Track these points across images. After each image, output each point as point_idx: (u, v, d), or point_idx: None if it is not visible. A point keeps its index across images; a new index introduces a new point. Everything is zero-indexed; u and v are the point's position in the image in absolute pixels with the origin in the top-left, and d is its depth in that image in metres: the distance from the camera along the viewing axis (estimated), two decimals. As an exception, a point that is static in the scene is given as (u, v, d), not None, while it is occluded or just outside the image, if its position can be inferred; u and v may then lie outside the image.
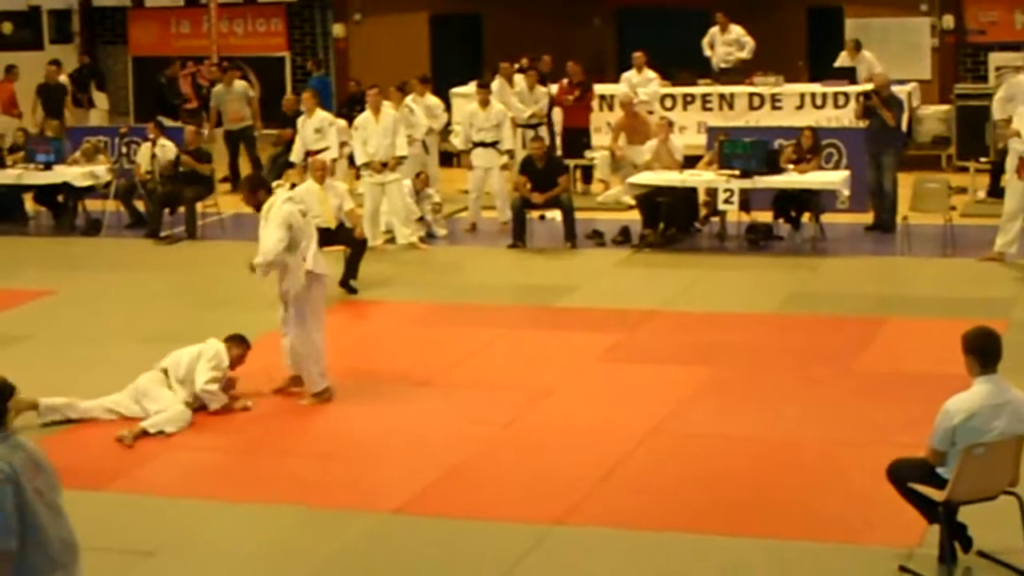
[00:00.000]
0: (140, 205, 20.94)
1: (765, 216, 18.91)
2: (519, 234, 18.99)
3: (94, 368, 13.41)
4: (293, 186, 14.23)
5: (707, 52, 25.24)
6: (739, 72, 24.65)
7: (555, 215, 19.45)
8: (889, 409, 11.79)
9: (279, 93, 25.84)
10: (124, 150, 22.18)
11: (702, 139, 21.65)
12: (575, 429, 11.69)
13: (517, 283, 17.65)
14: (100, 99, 28.75)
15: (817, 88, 23.63)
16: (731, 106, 23.79)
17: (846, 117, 22.47)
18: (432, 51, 28.68)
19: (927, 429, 8.57)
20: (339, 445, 11.68)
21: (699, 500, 10.14)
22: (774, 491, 10.26)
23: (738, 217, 19.09)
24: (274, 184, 13.20)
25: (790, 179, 18.49)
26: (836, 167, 20.08)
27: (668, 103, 23.83)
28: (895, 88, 20.65)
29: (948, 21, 25.84)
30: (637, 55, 23.80)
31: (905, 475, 8.71)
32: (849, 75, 23.52)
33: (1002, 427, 8.40)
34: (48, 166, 20.83)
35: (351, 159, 20.11)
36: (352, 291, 16.50)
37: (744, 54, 25.01)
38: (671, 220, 18.85)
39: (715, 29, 25.26)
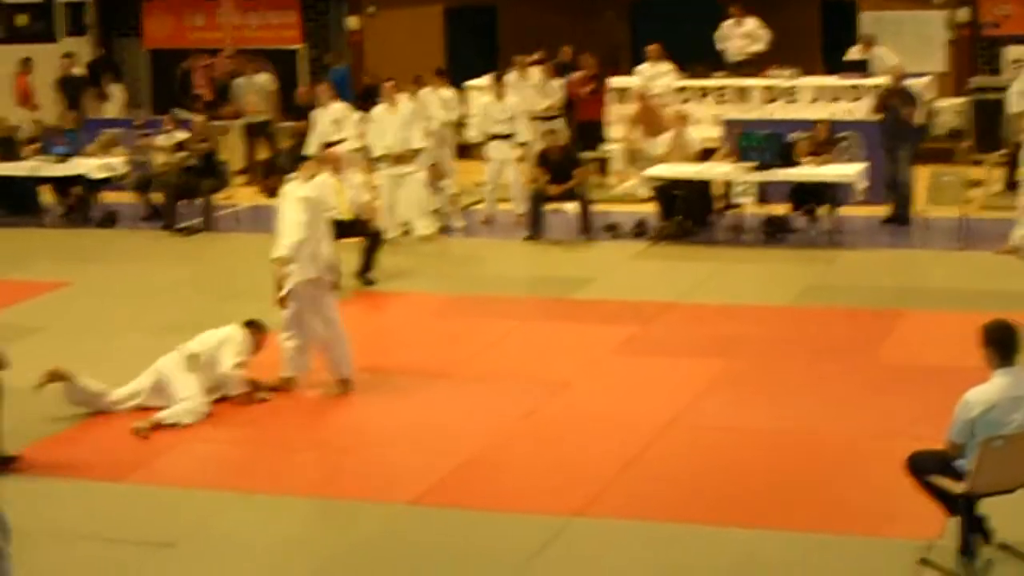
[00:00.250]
0: (156, 197, 20.94)
1: (781, 209, 18.88)
2: (535, 226, 18.99)
3: (108, 360, 13.41)
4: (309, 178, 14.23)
5: (722, 45, 25.17)
6: (754, 65, 24.59)
7: (571, 207, 19.43)
8: (907, 401, 11.78)
9: (293, 85, 25.82)
10: (140, 142, 22.20)
11: (717, 132, 21.61)
12: (592, 421, 11.69)
13: (533, 275, 17.65)
14: (116, 91, 28.77)
15: (833, 81, 23.58)
16: (746, 99, 23.75)
17: (861, 110, 22.40)
18: (447, 44, 28.63)
19: (945, 422, 8.57)
20: (356, 437, 11.69)
21: (716, 492, 10.13)
22: (792, 483, 10.25)
23: (754, 210, 19.07)
24: (289, 176, 13.20)
25: (806, 172, 18.46)
26: (852, 160, 20.03)
27: (683, 96, 23.79)
28: (910, 81, 20.59)
29: (963, 14, 25.75)
30: (652, 47, 23.74)
31: (924, 467, 8.70)
32: (860, 68, 23.45)
33: (1021, 419, 8.39)
34: (64, 158, 20.86)
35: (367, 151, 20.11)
36: (369, 283, 16.51)
37: (759, 47, 24.94)
38: (687, 213, 18.83)
39: (730, 22, 25.17)
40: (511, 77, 22.12)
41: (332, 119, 20.22)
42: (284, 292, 12.37)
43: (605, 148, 22.69)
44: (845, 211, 18.82)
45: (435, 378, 12.96)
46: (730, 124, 20.79)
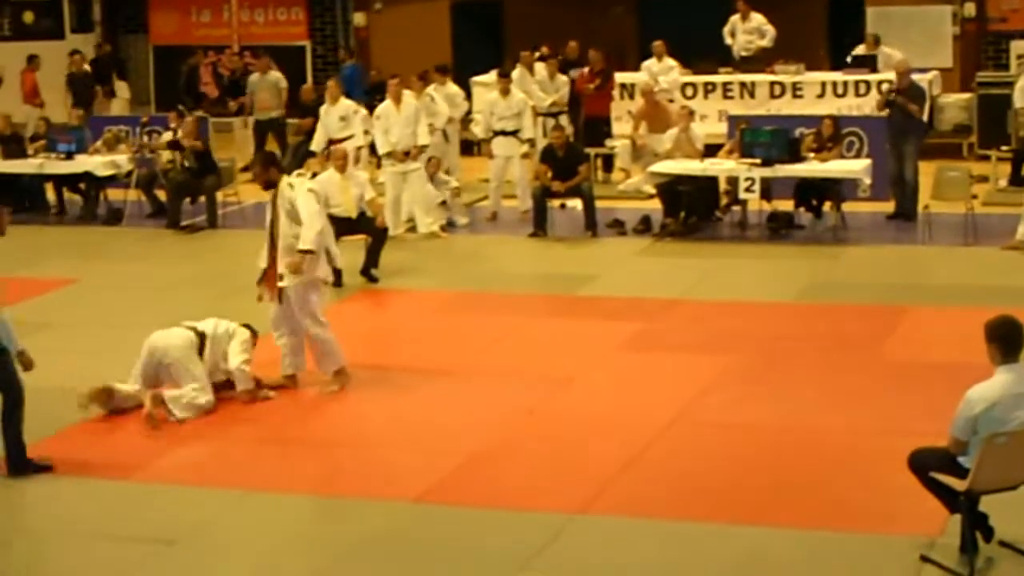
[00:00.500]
0: (161, 194, 20.97)
1: (786, 205, 18.87)
2: (540, 223, 18.99)
3: (115, 356, 13.40)
4: (314, 175, 14.25)
5: (728, 40, 25.16)
6: (760, 60, 24.59)
7: (576, 204, 19.42)
8: (911, 398, 11.77)
9: (300, 82, 25.84)
10: (146, 139, 22.22)
11: (723, 127, 21.60)
12: (596, 418, 11.69)
13: (538, 272, 17.65)
14: (121, 88, 28.81)
15: (838, 76, 23.58)
16: (752, 94, 23.75)
17: (867, 105, 22.39)
18: (453, 39, 28.64)
19: (949, 418, 8.56)
20: (359, 434, 11.70)
21: (720, 489, 10.12)
22: (795, 480, 10.24)
23: (759, 206, 19.06)
24: (295, 173, 13.20)
25: (811, 167, 18.44)
26: (857, 155, 20.02)
27: (689, 91, 23.80)
28: (916, 76, 20.57)
29: (969, 9, 25.73)
30: (657, 44, 23.77)
31: (927, 464, 8.69)
32: (869, 63, 23.45)
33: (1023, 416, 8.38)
34: (70, 155, 20.88)
35: (372, 148, 20.14)
36: (373, 280, 16.51)
37: (765, 42, 24.92)
38: (692, 209, 18.82)
39: (736, 17, 25.18)
40: (517, 73, 22.10)
41: (340, 116, 20.24)
42: (285, 283, 12.37)
43: (611, 144, 22.68)
44: (850, 207, 18.81)
45: (438, 375, 12.95)
46: (735, 120, 20.77)
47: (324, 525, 9.91)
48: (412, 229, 19.09)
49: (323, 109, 20.54)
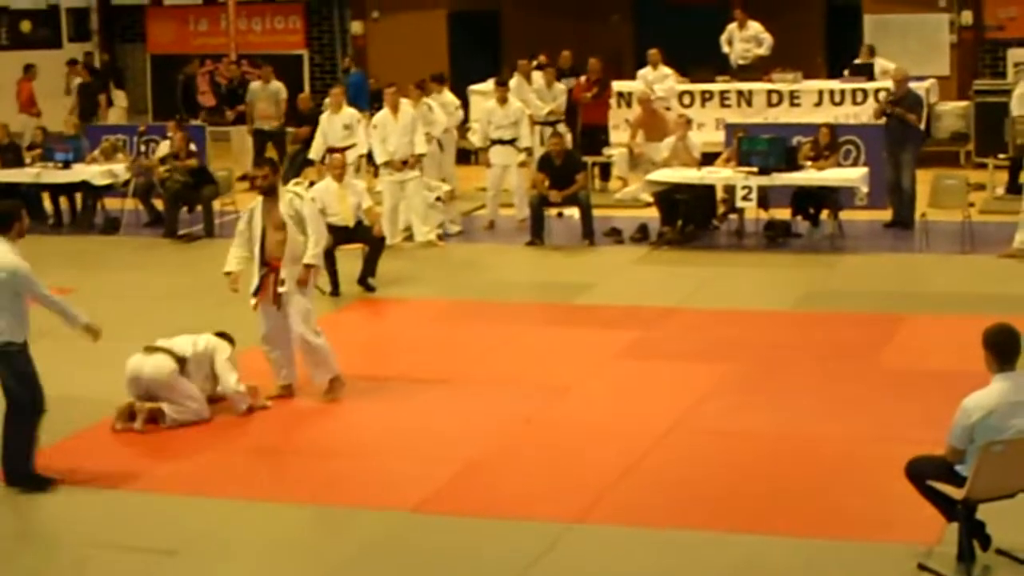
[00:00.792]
0: (159, 203, 20.97)
1: (783, 213, 18.88)
2: (537, 231, 19.00)
3: (112, 366, 13.39)
4: (311, 184, 14.27)
5: (725, 49, 25.18)
6: (757, 69, 24.60)
7: (573, 212, 19.44)
8: (908, 406, 11.77)
9: (297, 91, 25.85)
10: (143, 148, 22.24)
11: (720, 136, 21.62)
12: (593, 426, 11.69)
13: (535, 280, 17.66)
14: (119, 97, 28.82)
15: (836, 85, 23.60)
16: (749, 103, 23.76)
17: (864, 114, 22.40)
18: (450, 48, 28.66)
19: (946, 426, 8.56)
20: (357, 443, 11.69)
21: (718, 497, 10.13)
22: (792, 488, 10.24)
23: (756, 214, 19.07)
24: (292, 182, 13.21)
25: (808, 176, 18.45)
26: (854, 164, 20.04)
27: (686, 100, 23.81)
28: (913, 84, 20.59)
29: (967, 17, 25.76)
30: (652, 52, 23.80)
31: (924, 472, 8.69)
32: (866, 72, 23.47)
33: (1021, 425, 8.37)
34: (67, 164, 20.89)
35: (370, 157, 20.15)
36: (370, 289, 16.52)
37: (762, 51, 24.94)
38: (689, 217, 18.84)
39: (733, 25, 25.20)
40: (514, 82, 22.11)
41: (344, 124, 20.25)
42: (287, 289, 12.39)
43: (608, 152, 22.69)
44: (847, 215, 18.83)
45: (435, 384, 12.96)
46: (733, 128, 20.79)
47: (323, 534, 9.91)
48: (409, 238, 19.10)
49: (324, 117, 20.53)
